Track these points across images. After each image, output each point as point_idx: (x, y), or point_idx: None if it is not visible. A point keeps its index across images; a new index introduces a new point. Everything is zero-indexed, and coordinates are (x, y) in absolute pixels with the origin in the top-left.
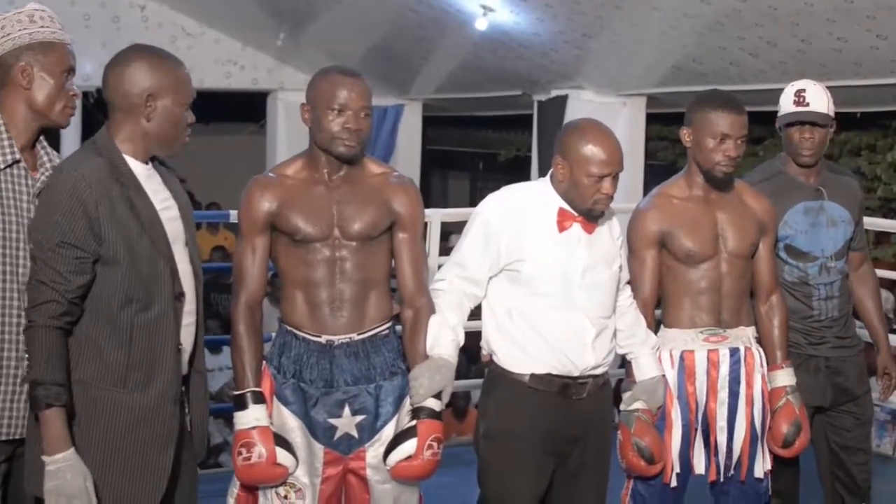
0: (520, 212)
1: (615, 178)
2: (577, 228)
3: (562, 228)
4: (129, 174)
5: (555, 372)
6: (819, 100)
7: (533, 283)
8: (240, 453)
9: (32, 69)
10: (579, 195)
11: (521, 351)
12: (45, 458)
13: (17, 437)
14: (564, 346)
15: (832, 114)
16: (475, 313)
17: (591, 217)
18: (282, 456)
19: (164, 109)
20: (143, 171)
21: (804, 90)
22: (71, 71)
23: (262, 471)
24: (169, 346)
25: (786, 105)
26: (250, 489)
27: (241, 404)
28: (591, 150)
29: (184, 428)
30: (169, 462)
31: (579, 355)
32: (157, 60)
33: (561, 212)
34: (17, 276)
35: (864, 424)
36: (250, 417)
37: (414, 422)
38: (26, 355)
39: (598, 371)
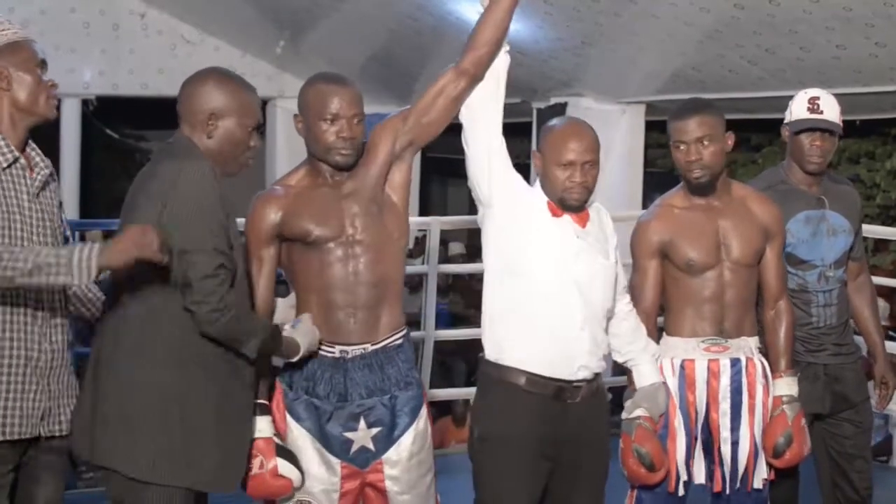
0: (522, 196)
1: (587, 168)
2: (568, 219)
3: (555, 214)
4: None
5: (548, 374)
6: (832, 108)
7: (530, 271)
8: None
9: (8, 70)
10: (551, 185)
11: (516, 354)
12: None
13: (26, 436)
14: (559, 347)
15: (840, 124)
16: (474, 322)
17: (566, 207)
18: (284, 468)
19: (226, 130)
20: None
21: (818, 98)
22: (44, 64)
23: (264, 482)
24: None
25: (798, 111)
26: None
27: None
28: (559, 137)
29: None
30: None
31: (574, 357)
32: (227, 83)
33: (549, 204)
34: None
35: (863, 432)
36: (253, 430)
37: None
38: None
39: (593, 370)
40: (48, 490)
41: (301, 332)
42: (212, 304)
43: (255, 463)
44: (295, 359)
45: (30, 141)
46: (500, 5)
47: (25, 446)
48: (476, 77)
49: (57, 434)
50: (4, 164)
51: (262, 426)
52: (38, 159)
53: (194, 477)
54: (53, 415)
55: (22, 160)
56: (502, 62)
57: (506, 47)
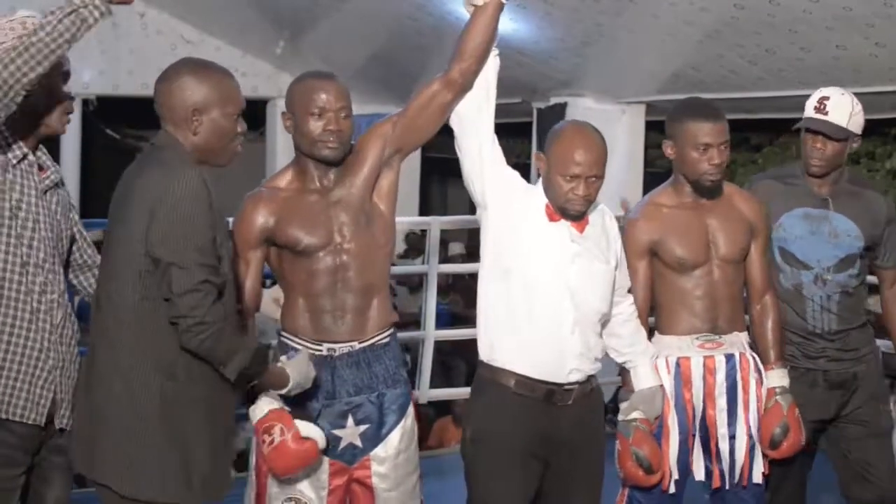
0: (518, 197)
1: (592, 181)
2: (564, 224)
3: (552, 218)
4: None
5: (538, 377)
6: (840, 111)
7: (522, 273)
8: (264, 441)
9: None
10: (553, 193)
11: (506, 355)
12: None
13: (34, 422)
14: (549, 350)
15: (855, 128)
16: (474, 322)
17: (568, 216)
18: (306, 428)
19: (211, 122)
20: None
21: (827, 98)
22: (67, 75)
23: (287, 450)
24: None
25: (807, 109)
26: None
27: (250, 398)
28: (566, 148)
29: None
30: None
31: (564, 360)
32: (203, 74)
33: (547, 207)
34: (41, 262)
35: (877, 435)
36: (263, 405)
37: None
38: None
39: (586, 372)
40: (56, 490)
41: (294, 365)
42: (194, 319)
43: (275, 432)
44: (283, 392)
45: (41, 146)
46: (485, 12)
47: (37, 446)
48: (464, 87)
49: (66, 428)
50: (14, 161)
51: (271, 399)
52: (49, 163)
53: (187, 491)
54: (63, 409)
55: (31, 157)
56: (492, 66)
57: (495, 51)
